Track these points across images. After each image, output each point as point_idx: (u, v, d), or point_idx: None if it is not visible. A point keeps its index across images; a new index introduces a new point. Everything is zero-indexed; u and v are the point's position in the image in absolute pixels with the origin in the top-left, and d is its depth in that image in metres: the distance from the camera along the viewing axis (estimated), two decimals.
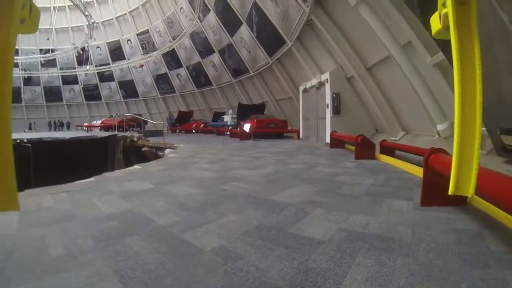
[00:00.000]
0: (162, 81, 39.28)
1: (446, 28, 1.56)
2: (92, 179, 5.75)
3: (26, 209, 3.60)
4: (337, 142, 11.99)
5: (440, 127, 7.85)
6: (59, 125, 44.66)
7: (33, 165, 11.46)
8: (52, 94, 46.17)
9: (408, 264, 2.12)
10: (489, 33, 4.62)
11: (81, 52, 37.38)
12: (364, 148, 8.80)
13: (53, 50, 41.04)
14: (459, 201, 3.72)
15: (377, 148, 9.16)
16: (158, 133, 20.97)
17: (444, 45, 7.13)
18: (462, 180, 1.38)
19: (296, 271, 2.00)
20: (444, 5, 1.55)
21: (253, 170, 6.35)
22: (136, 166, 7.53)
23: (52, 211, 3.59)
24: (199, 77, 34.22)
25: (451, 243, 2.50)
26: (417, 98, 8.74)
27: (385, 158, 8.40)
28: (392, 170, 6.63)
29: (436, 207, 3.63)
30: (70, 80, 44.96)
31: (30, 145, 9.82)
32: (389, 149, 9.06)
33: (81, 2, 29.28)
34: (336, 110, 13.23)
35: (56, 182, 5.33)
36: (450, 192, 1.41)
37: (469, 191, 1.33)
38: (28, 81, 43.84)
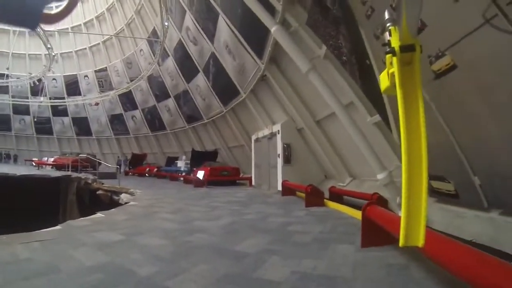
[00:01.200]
0: (116, 121, 38.92)
1: (393, 85, 1.66)
2: (58, 227, 5.99)
3: (3, 260, 3.83)
4: (288, 190, 12.52)
5: (380, 176, 8.60)
6: (5, 157, 42.73)
7: None
8: (1, 123, 43.67)
9: None
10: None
11: (37, 83, 36.46)
12: (313, 196, 9.45)
13: (6, 76, 39.22)
14: (393, 240, 4.46)
15: (326, 193, 9.89)
16: (112, 175, 21.04)
17: (380, 107, 8.13)
18: (412, 231, 1.41)
19: None
20: (391, 64, 1.65)
21: (212, 221, 6.71)
22: (99, 214, 7.67)
23: (33, 263, 3.74)
24: (153, 120, 34.44)
25: (382, 276, 3.28)
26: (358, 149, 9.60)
27: (333, 205, 9.16)
28: (339, 217, 7.40)
29: (374, 247, 4.36)
30: (21, 110, 42.84)
31: None
32: (337, 195, 9.84)
33: (44, 33, 29.13)
34: (287, 160, 13.92)
35: (6, 224, 5.30)
36: (400, 244, 1.44)
37: (419, 241, 1.39)
38: None
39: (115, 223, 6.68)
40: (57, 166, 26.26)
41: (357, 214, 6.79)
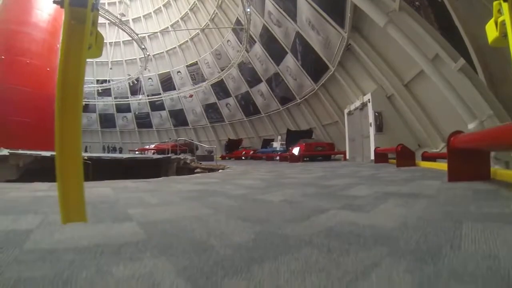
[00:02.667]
0: (211, 110, 40.46)
1: (503, 35, 1.51)
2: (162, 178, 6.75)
3: (119, 186, 4.76)
4: (381, 157, 12.51)
5: (470, 126, 8.41)
6: (111, 150, 46.86)
7: (91, 178, 12.45)
8: (107, 121, 48.75)
9: (427, 201, 2.98)
10: None
11: (135, 83, 40.38)
12: (404, 157, 9.42)
13: (108, 81, 44.02)
14: (484, 177, 4.45)
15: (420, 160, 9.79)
16: (209, 158, 21.99)
17: (463, 51, 7.98)
18: None
19: (342, 205, 2.86)
20: (500, 12, 1.50)
21: (304, 175, 7.06)
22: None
23: (140, 188, 4.64)
24: (247, 106, 35.27)
25: (468, 194, 3.38)
26: (450, 105, 9.46)
27: (425, 164, 9.05)
28: (430, 170, 7.42)
29: (462, 182, 4.35)
30: (123, 109, 47.30)
31: (90, 162, 10.69)
32: (429, 159, 9.67)
33: (138, 37, 31.28)
34: (379, 128, 13.87)
35: None
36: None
37: None
38: (85, 108, 45.60)
39: (212, 176, 7.38)
40: (158, 150, 27.56)
41: None
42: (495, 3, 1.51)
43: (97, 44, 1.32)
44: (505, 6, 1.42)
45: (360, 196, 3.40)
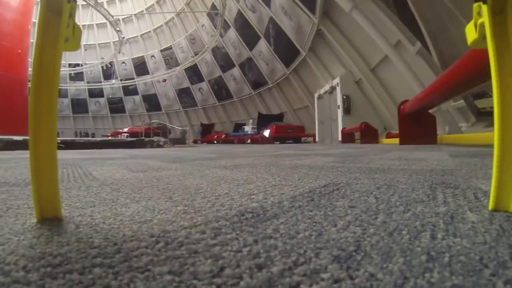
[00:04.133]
0: (184, 95, 40.58)
1: (482, 37, 1.43)
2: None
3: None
4: (347, 137, 13.16)
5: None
6: (84, 136, 45.82)
7: None
8: (79, 106, 47.97)
9: (358, 151, 3.54)
10: None
11: (109, 66, 39.89)
12: (368, 135, 10.03)
13: (81, 65, 43.14)
14: (432, 141, 5.01)
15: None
16: (182, 141, 22.41)
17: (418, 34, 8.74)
18: (503, 193, 1.11)
19: (297, 156, 3.43)
20: (479, 14, 1.43)
21: (268, 151, 7.47)
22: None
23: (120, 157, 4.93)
24: (220, 90, 35.53)
25: (394, 148, 3.90)
26: (411, 88, 10.09)
27: (387, 141, 9.71)
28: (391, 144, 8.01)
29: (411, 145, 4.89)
30: (96, 93, 46.78)
31: (63, 145, 10.70)
32: (393, 137, 10.33)
33: (113, 20, 31.14)
34: (347, 111, 14.57)
35: None
36: (490, 208, 1.12)
37: (510, 206, 1.08)
38: None
39: (185, 150, 7.75)
40: (131, 134, 27.47)
41: None
42: (475, 5, 1.45)
43: (74, 37, 1.25)
44: (484, 8, 1.37)
45: (306, 156, 3.95)
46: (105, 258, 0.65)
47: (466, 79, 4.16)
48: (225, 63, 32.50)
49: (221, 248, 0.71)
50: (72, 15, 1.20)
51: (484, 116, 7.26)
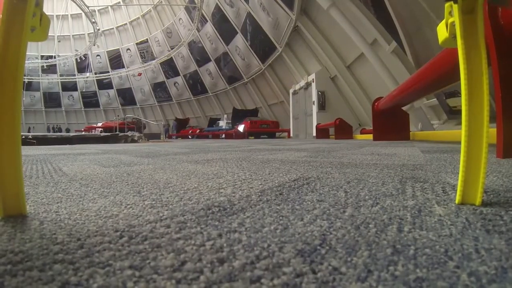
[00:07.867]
0: (159, 89, 40.35)
1: (452, 36, 1.46)
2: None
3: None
4: (322, 133, 13.24)
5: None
6: (57, 131, 44.99)
7: None
8: (51, 100, 47.07)
9: (329, 146, 3.57)
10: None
11: (83, 59, 38.99)
12: (342, 131, 10.11)
13: (54, 57, 42.21)
14: (405, 138, 5.08)
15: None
16: (156, 136, 22.29)
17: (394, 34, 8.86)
18: (470, 187, 1.18)
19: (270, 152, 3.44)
20: (450, 14, 1.46)
21: (243, 146, 7.46)
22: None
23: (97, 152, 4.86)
24: (195, 85, 35.44)
25: (367, 143, 3.96)
26: (386, 86, 10.22)
27: (361, 136, 9.82)
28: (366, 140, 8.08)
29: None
30: (69, 87, 46.00)
31: (35, 141, 10.48)
32: (366, 134, 10.43)
33: (88, 10, 30.61)
34: (322, 107, 14.66)
35: None
36: (457, 202, 1.17)
37: (477, 199, 1.14)
38: (28, 86, 44.29)
39: (159, 145, 7.70)
40: (106, 129, 27.26)
41: None
42: (446, 4, 1.48)
43: (42, 27, 1.19)
44: (455, 7, 1.41)
45: (279, 151, 3.96)
46: (67, 254, 0.64)
47: (438, 78, 4.27)
48: (201, 57, 32.41)
49: (184, 242, 0.71)
50: (39, 4, 1.14)
51: (456, 114, 7.43)
